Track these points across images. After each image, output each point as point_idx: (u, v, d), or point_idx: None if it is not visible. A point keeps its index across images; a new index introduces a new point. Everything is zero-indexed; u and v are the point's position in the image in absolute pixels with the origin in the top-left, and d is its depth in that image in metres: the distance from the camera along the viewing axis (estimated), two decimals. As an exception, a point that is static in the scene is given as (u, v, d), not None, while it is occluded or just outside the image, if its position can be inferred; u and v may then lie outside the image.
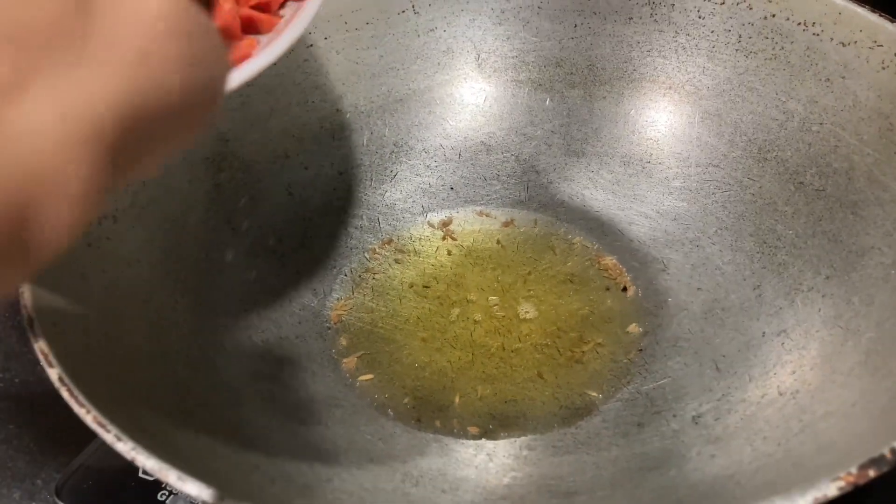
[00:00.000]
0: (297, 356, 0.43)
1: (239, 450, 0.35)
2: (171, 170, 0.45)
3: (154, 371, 0.36)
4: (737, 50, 0.49)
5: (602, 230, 0.50)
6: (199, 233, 0.45)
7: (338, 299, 0.47)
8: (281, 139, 0.50)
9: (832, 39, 0.44)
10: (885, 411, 0.30)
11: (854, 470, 0.24)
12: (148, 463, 0.26)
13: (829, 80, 0.44)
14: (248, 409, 0.39)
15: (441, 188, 0.53)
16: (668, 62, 0.51)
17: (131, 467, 0.41)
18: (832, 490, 0.24)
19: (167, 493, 0.41)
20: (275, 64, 0.50)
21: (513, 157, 0.53)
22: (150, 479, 0.42)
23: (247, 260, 0.46)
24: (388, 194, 0.52)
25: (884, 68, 0.42)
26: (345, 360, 0.43)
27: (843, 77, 0.44)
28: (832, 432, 0.32)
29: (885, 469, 0.24)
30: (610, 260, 0.48)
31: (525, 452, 0.38)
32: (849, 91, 0.43)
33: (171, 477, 0.26)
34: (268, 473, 0.34)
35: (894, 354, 0.33)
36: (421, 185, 0.53)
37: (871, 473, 0.24)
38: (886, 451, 0.24)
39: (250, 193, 0.48)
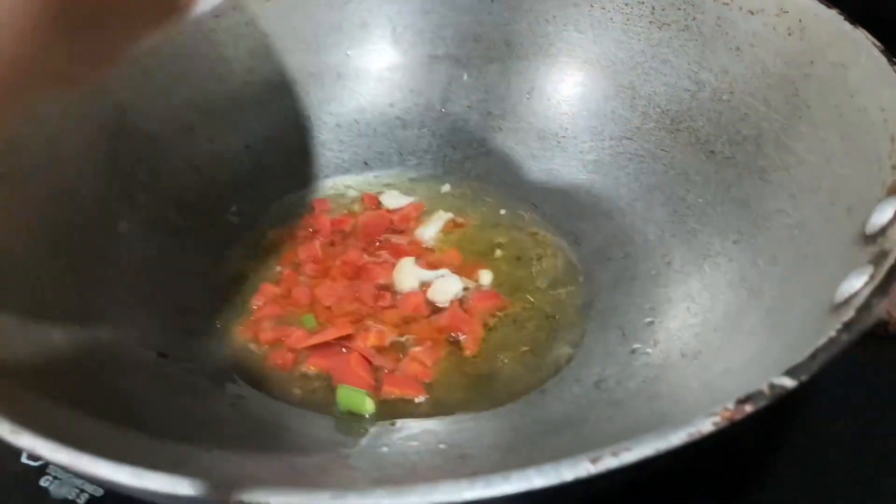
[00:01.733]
0: (193, 330, 0.41)
1: (118, 420, 0.33)
2: (62, 138, 0.42)
3: (28, 341, 0.34)
4: (650, 22, 0.48)
5: (516, 203, 0.49)
6: (91, 204, 0.43)
7: (242, 274, 0.45)
8: (185, 111, 0.48)
9: (741, 8, 0.44)
10: (778, 362, 0.29)
11: (731, 405, 0.23)
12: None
13: (738, 48, 0.44)
14: (135, 380, 0.36)
15: (355, 163, 0.51)
16: (584, 36, 0.51)
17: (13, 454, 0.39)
18: (707, 426, 0.22)
19: (51, 479, 0.39)
20: (180, 33, 0.49)
21: (429, 133, 0.52)
22: (34, 465, 0.39)
23: (145, 234, 0.44)
24: (297, 169, 0.50)
25: (790, 35, 0.42)
26: (244, 335, 0.41)
27: (752, 45, 0.44)
28: (728, 387, 0.31)
29: (762, 404, 0.23)
30: (524, 232, 0.47)
31: (424, 421, 0.36)
32: (758, 59, 0.43)
33: (4, 430, 0.23)
34: (145, 441, 0.32)
35: (793, 309, 0.32)
36: (333, 161, 0.51)
37: (748, 409, 0.23)
38: (764, 387, 0.23)
39: (150, 165, 0.46)
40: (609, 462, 0.22)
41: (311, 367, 0.39)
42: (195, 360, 0.39)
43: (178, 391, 0.36)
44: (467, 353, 0.40)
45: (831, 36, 0.39)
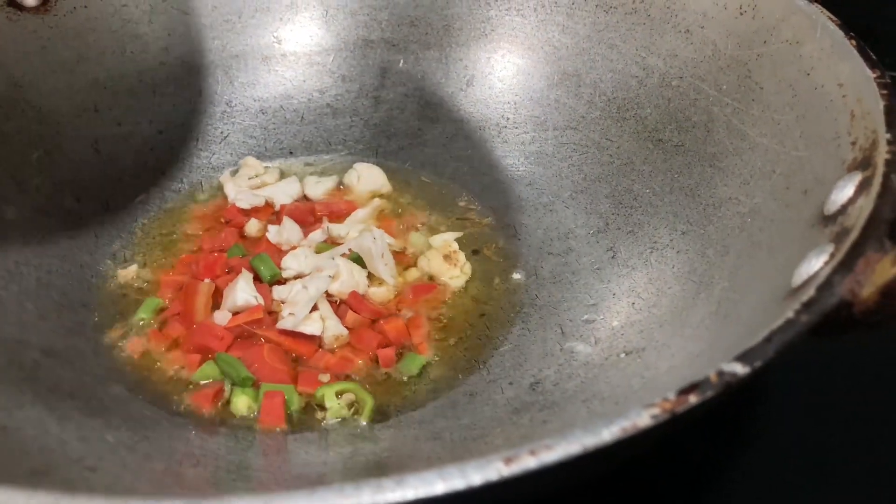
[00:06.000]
0: (80, 327, 0.36)
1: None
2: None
3: None
4: (596, 5, 0.45)
5: (454, 196, 0.45)
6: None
7: (142, 267, 0.40)
8: (89, 90, 0.44)
9: (691, -12, 0.41)
10: (729, 352, 0.25)
11: (672, 395, 0.19)
12: None
13: (688, 31, 0.41)
14: (7, 380, 0.32)
15: (278, 152, 0.47)
16: (526, 21, 0.47)
17: None
18: (644, 419, 0.19)
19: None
20: (85, 6, 0.45)
21: (361, 122, 0.48)
22: None
23: (35, 219, 0.39)
24: (215, 157, 0.46)
25: (741, 13, 0.39)
26: (135, 337, 0.36)
27: (703, 27, 0.41)
28: (672, 384, 0.27)
29: (708, 394, 0.20)
30: (460, 225, 0.43)
31: (342, 427, 0.32)
32: (708, 41, 0.40)
33: None
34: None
35: (745, 300, 0.29)
36: (255, 148, 0.47)
37: (692, 399, 0.19)
38: (711, 374, 0.20)
39: (46, 148, 0.42)
40: (526, 462, 0.18)
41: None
42: (79, 362, 0.34)
43: (53, 392, 0.32)
44: (424, 355, 0.35)
45: (785, 12, 0.37)
